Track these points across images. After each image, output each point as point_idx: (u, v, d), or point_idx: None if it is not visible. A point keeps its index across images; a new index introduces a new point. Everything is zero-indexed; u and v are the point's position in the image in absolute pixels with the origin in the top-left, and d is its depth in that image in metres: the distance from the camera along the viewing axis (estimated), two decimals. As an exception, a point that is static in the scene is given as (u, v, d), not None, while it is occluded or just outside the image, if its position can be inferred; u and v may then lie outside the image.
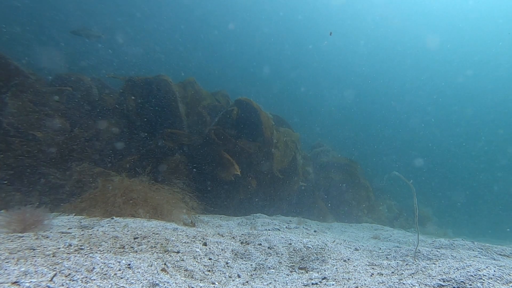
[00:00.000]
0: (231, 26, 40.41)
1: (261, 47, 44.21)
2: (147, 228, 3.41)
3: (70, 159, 6.27)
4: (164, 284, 1.96)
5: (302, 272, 2.76)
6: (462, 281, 2.05)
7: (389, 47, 45.19)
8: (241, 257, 2.96)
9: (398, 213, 12.73)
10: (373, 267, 2.88)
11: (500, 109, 41.53)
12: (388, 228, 8.59)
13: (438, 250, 3.74)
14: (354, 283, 2.28)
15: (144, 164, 7.14)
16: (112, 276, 1.92)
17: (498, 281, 2.05)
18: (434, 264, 2.65)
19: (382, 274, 2.59)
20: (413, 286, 2.07)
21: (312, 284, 2.39)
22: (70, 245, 2.49)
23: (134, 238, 2.87)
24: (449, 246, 4.33)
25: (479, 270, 2.20)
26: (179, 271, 2.35)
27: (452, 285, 2.03)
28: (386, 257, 3.48)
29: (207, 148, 8.16)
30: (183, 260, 2.54)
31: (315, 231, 5.62)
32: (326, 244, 3.57)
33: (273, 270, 2.75)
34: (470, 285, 2.00)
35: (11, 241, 2.51)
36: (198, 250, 2.82)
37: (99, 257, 2.12)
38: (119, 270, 2.01)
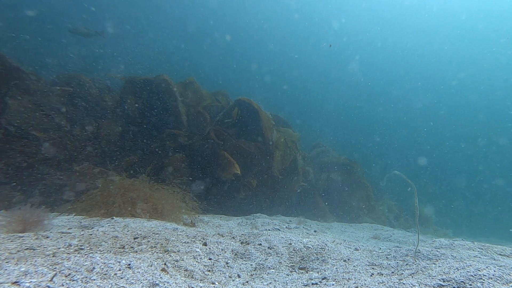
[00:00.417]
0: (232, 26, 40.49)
1: (262, 47, 44.26)
2: (147, 228, 3.41)
3: (70, 159, 6.27)
4: (164, 284, 1.96)
5: (302, 272, 2.76)
6: (462, 281, 2.05)
7: (389, 48, 45.24)
8: (241, 257, 2.96)
9: (398, 213, 12.73)
10: (373, 267, 2.88)
11: (501, 109, 41.56)
12: (388, 228, 8.59)
13: (438, 250, 3.73)
14: (354, 283, 2.28)
15: (144, 164, 7.15)
16: (112, 276, 1.92)
17: (498, 281, 2.05)
18: (434, 264, 2.65)
19: (382, 274, 2.59)
20: (413, 286, 2.07)
21: (312, 284, 2.39)
22: (70, 245, 2.49)
23: (134, 238, 2.88)
24: (449, 246, 4.33)
25: (479, 270, 2.20)
26: (179, 271, 2.35)
27: (452, 285, 2.03)
28: (386, 257, 3.48)
29: (207, 148, 8.16)
30: (183, 260, 2.54)
31: (315, 231, 5.62)
32: (326, 244, 3.57)
33: (273, 270, 2.75)
34: (470, 285, 2.00)
35: (11, 241, 2.52)
36: (198, 250, 2.82)
37: (99, 257, 2.12)
38: (119, 270, 2.01)
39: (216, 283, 2.31)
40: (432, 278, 2.18)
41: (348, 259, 3.14)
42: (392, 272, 2.63)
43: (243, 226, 5.57)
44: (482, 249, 4.09)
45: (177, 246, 2.81)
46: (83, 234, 2.85)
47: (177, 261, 2.48)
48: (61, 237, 2.73)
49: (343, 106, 44.89)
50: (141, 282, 1.92)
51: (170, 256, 2.54)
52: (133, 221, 3.83)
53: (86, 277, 1.82)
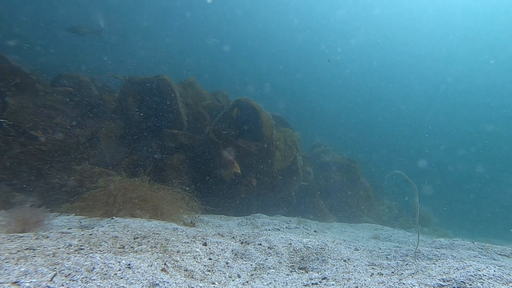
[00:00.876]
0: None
1: (265, 49, 44.30)
2: (147, 228, 3.41)
3: (71, 159, 6.27)
4: (164, 284, 1.96)
5: (302, 272, 2.76)
6: (462, 281, 2.05)
7: (390, 48, 45.22)
8: (241, 257, 2.96)
9: (398, 213, 12.73)
10: (373, 267, 2.88)
11: (500, 109, 41.57)
12: (388, 228, 8.59)
13: (438, 250, 3.74)
14: (354, 283, 2.28)
15: (144, 164, 7.15)
16: (112, 276, 1.92)
17: (498, 281, 2.05)
18: (434, 264, 2.65)
19: (382, 274, 2.59)
20: (413, 286, 2.07)
21: (312, 284, 2.39)
22: (70, 245, 2.49)
23: (134, 238, 2.88)
24: (449, 246, 4.33)
25: (479, 270, 2.20)
26: (179, 271, 2.35)
27: (452, 285, 2.03)
28: (386, 257, 3.48)
29: (207, 148, 8.16)
30: (183, 260, 2.54)
31: (315, 231, 5.62)
32: (326, 244, 3.57)
33: (273, 270, 2.75)
34: (470, 285, 2.00)
35: (11, 241, 2.52)
36: (198, 250, 2.82)
37: (99, 257, 2.12)
38: (119, 270, 2.01)
39: (216, 283, 2.31)
40: (432, 278, 2.18)
41: (348, 259, 3.14)
42: (392, 272, 2.63)
43: (243, 226, 5.57)
44: (482, 249, 4.09)
45: (177, 246, 2.81)
46: (83, 234, 2.85)
47: (177, 261, 2.48)
48: (61, 237, 2.73)
49: (344, 106, 44.99)
50: (141, 282, 1.92)
51: (170, 256, 2.54)
52: (133, 221, 3.83)
53: (86, 277, 1.82)
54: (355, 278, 2.44)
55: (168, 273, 2.22)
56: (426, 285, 2.07)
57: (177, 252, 2.68)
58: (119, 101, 8.13)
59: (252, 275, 2.63)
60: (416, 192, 3.17)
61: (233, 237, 3.55)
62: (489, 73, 42.27)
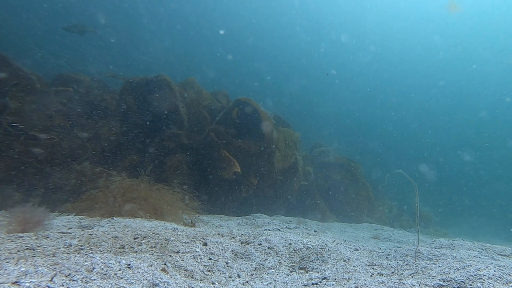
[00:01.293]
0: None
1: (263, 48, 44.28)
2: (147, 228, 3.41)
3: (71, 159, 6.27)
4: (164, 284, 1.96)
5: (302, 272, 2.76)
6: (462, 281, 2.05)
7: (391, 49, 45.22)
8: (241, 257, 2.96)
9: (398, 213, 12.73)
10: (373, 267, 2.88)
11: (500, 110, 41.58)
12: (388, 228, 8.59)
13: (438, 250, 3.73)
14: (354, 283, 2.28)
15: (144, 164, 7.15)
16: (112, 276, 1.92)
17: (498, 281, 2.05)
18: (434, 264, 2.65)
19: (382, 274, 2.59)
20: (413, 286, 2.07)
21: (312, 284, 2.39)
22: (70, 245, 2.50)
23: (134, 238, 2.88)
24: (449, 246, 4.32)
25: (479, 270, 2.20)
26: (179, 271, 2.35)
27: (452, 285, 2.03)
28: (386, 257, 3.48)
29: (207, 148, 8.16)
30: (183, 260, 2.54)
31: (315, 231, 5.62)
32: (326, 244, 3.57)
33: (273, 270, 2.75)
34: (470, 285, 2.00)
35: (11, 241, 2.52)
36: (198, 250, 2.82)
37: (99, 257, 2.12)
38: (119, 270, 2.01)
39: (216, 283, 2.31)
40: (432, 278, 2.18)
41: (348, 259, 3.14)
42: (392, 272, 2.63)
43: (243, 226, 5.57)
44: (482, 249, 4.09)
45: (177, 246, 2.81)
46: (83, 234, 2.85)
47: (177, 261, 2.49)
48: (61, 237, 2.73)
49: (344, 107, 44.98)
50: (141, 282, 1.92)
51: (170, 256, 2.54)
52: (133, 221, 3.83)
53: (86, 277, 1.82)
54: (355, 278, 2.44)
55: (168, 273, 2.22)
56: (426, 285, 2.07)
57: (177, 252, 2.69)
58: (119, 101, 8.14)
59: (252, 275, 2.63)
60: (417, 191, 3.17)
61: (233, 237, 3.55)
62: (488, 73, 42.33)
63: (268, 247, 3.25)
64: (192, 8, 37.25)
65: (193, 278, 2.32)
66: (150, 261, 2.27)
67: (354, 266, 2.85)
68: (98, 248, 2.52)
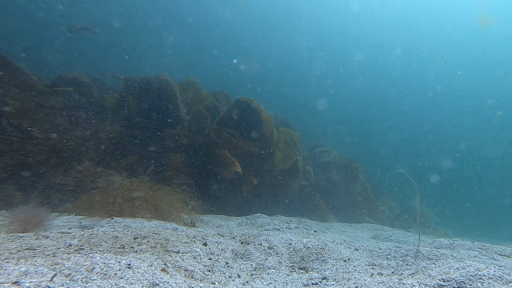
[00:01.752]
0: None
1: (264, 49, 44.26)
2: (147, 228, 3.41)
3: (71, 159, 6.27)
4: (164, 284, 1.96)
5: (302, 272, 2.76)
6: (462, 281, 2.05)
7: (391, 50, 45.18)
8: (241, 257, 2.96)
9: (398, 213, 12.72)
10: (373, 267, 2.88)
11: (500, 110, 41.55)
12: (388, 228, 8.59)
13: (438, 250, 3.73)
14: (354, 283, 2.28)
15: (145, 164, 7.15)
16: (112, 276, 1.92)
17: (498, 281, 2.05)
18: (434, 264, 2.65)
19: (382, 274, 2.59)
20: (413, 286, 2.07)
21: (312, 284, 2.39)
22: (70, 245, 2.50)
23: (134, 238, 2.88)
24: (449, 246, 4.32)
25: (479, 270, 2.20)
26: (179, 271, 2.35)
27: (452, 285, 2.03)
28: (386, 257, 3.48)
29: (207, 148, 8.16)
30: (183, 260, 2.54)
31: (315, 231, 5.62)
32: (326, 244, 3.58)
33: (273, 270, 2.75)
34: (470, 285, 2.00)
35: (11, 241, 2.52)
36: (198, 250, 2.82)
37: (99, 257, 2.12)
38: (119, 270, 2.01)
39: (216, 283, 2.31)
40: (432, 278, 2.17)
41: (348, 259, 3.14)
42: (392, 272, 2.63)
43: (243, 226, 5.57)
44: (482, 249, 4.09)
45: (177, 246, 2.81)
46: (83, 234, 2.85)
47: (177, 261, 2.49)
48: (61, 237, 2.73)
49: (344, 107, 45.00)
50: (141, 282, 1.92)
51: (170, 256, 2.55)
52: (133, 221, 3.83)
53: (86, 277, 1.82)
54: (355, 278, 2.44)
55: (168, 273, 2.22)
56: (426, 285, 2.07)
57: (177, 252, 2.69)
58: (119, 101, 8.14)
59: (252, 275, 2.63)
60: (417, 191, 3.17)
61: (233, 237, 3.55)
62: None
63: (268, 247, 3.25)
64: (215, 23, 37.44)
65: (193, 278, 2.32)
66: (150, 261, 2.27)
67: (354, 266, 2.85)
68: (98, 248, 2.52)
